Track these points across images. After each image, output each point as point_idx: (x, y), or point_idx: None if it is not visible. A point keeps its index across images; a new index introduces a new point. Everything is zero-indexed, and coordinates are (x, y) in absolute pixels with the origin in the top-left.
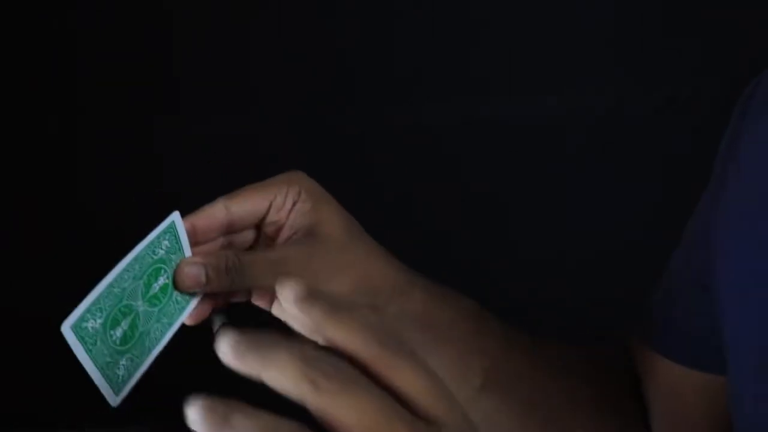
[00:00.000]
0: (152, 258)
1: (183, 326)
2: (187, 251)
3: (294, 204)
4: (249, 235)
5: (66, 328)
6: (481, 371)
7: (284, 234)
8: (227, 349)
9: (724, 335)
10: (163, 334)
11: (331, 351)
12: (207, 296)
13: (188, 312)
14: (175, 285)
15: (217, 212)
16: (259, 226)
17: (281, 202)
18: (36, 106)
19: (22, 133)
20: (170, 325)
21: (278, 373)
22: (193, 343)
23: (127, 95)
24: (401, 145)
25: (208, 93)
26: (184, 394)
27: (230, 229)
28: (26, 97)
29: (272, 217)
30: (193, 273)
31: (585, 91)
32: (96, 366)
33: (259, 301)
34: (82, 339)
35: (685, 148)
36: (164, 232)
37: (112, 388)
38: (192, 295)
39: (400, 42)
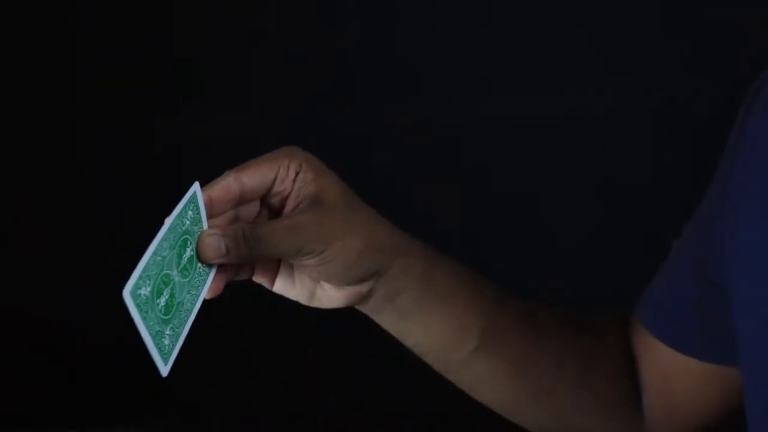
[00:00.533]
0: (181, 228)
1: (186, 336)
2: (205, 223)
3: (297, 174)
4: (254, 208)
5: (126, 294)
6: (476, 334)
7: (290, 204)
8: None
9: (736, 329)
10: (193, 305)
11: None
12: (220, 271)
13: (208, 285)
14: (198, 256)
15: (231, 184)
16: (263, 198)
17: (285, 173)
18: (36, 106)
19: (22, 133)
20: (197, 296)
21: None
22: (193, 344)
23: (127, 95)
24: (401, 145)
25: (208, 93)
26: (184, 395)
27: (241, 201)
28: (26, 97)
29: (277, 187)
30: (214, 244)
31: (585, 91)
32: (150, 334)
33: (260, 279)
34: (138, 306)
35: (685, 148)
36: (189, 202)
37: (162, 357)
38: (211, 267)
39: (400, 42)
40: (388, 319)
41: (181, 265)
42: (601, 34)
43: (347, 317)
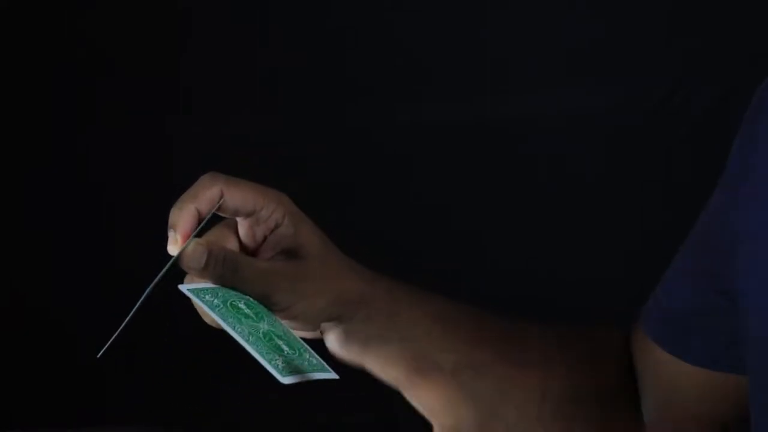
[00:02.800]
0: (223, 307)
1: (183, 333)
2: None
3: (276, 226)
4: (232, 246)
5: (286, 382)
6: (449, 367)
7: (266, 253)
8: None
9: (748, 337)
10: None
11: None
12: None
13: None
14: (178, 260)
15: (215, 197)
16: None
17: (266, 215)
18: (39, 106)
19: (25, 134)
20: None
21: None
22: (192, 345)
23: (127, 95)
24: (401, 145)
25: (208, 93)
26: (183, 395)
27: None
28: (28, 96)
29: (252, 222)
30: (198, 255)
31: (585, 91)
32: (312, 373)
33: None
34: (301, 375)
35: (685, 148)
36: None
37: (324, 371)
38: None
39: (400, 42)
40: (360, 346)
41: (254, 315)
42: (601, 33)
43: None
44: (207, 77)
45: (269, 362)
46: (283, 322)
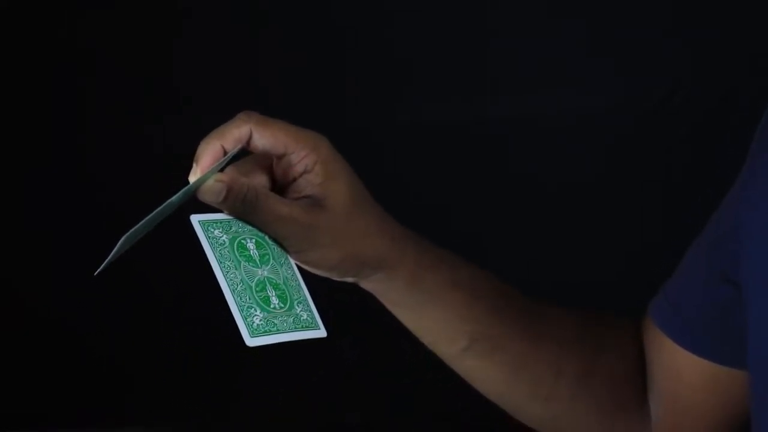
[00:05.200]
0: (224, 249)
1: (183, 334)
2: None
3: (305, 171)
4: (262, 180)
5: (252, 343)
6: (466, 335)
7: (293, 194)
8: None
9: (749, 330)
10: (293, 270)
11: None
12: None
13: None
14: (197, 193)
15: (243, 136)
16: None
17: (296, 160)
18: (39, 106)
19: (25, 134)
20: (289, 262)
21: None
22: (193, 345)
23: (127, 96)
24: (401, 145)
25: (207, 93)
26: (184, 396)
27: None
28: (30, 98)
29: (281, 165)
30: (216, 190)
31: (585, 91)
32: (290, 332)
33: None
34: (268, 333)
35: (685, 148)
36: (205, 229)
37: (315, 327)
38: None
39: (400, 42)
40: (381, 298)
41: (258, 257)
42: (600, 34)
43: (349, 322)
44: (206, 77)
45: (244, 319)
46: (303, 264)
